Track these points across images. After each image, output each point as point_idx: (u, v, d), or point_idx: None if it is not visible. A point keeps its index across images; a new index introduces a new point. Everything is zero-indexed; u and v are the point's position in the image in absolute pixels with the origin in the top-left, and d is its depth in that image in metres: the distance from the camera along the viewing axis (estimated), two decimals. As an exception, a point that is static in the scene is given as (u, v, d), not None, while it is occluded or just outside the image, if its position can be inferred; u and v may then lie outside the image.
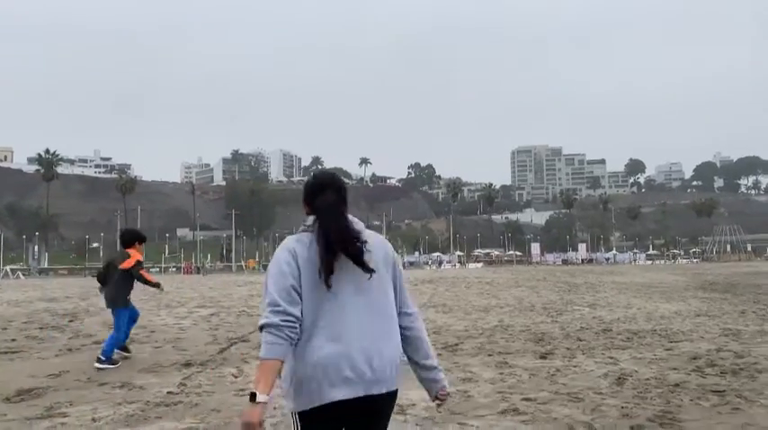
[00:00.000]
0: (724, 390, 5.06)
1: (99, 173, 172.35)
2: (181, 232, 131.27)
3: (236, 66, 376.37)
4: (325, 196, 2.21)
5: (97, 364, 6.74)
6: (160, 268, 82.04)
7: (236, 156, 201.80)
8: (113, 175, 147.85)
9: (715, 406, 4.61)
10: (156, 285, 7.49)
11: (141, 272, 7.30)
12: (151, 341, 8.39)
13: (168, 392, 5.32)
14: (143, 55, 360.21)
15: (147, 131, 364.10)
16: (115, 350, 6.98)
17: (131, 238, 7.51)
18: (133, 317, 7.48)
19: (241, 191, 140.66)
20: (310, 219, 2.19)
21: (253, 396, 1.87)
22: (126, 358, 7.15)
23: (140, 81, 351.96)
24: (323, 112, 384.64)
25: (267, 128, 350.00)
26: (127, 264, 7.18)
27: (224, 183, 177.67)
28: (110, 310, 7.24)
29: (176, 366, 6.56)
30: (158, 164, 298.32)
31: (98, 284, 7.52)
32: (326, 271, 2.01)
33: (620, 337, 8.15)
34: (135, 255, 7.33)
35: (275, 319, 1.94)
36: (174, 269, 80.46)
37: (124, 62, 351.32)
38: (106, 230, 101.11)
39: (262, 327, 1.96)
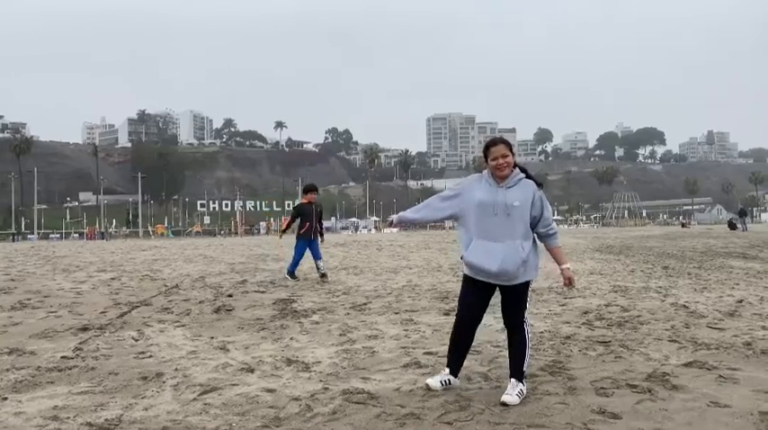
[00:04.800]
0: (609, 341, 5.44)
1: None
2: (83, 196, 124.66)
3: (140, 14, 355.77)
4: None
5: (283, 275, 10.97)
6: (61, 234, 77.70)
7: (143, 117, 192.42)
8: (6, 135, 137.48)
9: (600, 355, 4.95)
10: (281, 230, 11.61)
11: (285, 217, 12.23)
12: (45, 306, 7.96)
13: (62, 357, 5.08)
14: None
15: (44, 89, 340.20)
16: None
17: (304, 189, 11.12)
18: (314, 254, 10.68)
19: (148, 153, 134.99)
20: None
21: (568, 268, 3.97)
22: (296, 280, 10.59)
23: (33, 28, 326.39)
24: (236, 73, 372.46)
25: (176, 88, 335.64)
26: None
27: (129, 144, 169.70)
28: None
29: (72, 331, 6.27)
30: (57, 124, 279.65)
31: None
32: None
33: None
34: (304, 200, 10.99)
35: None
36: (76, 235, 76.32)
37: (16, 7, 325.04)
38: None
39: (556, 233, 3.96)
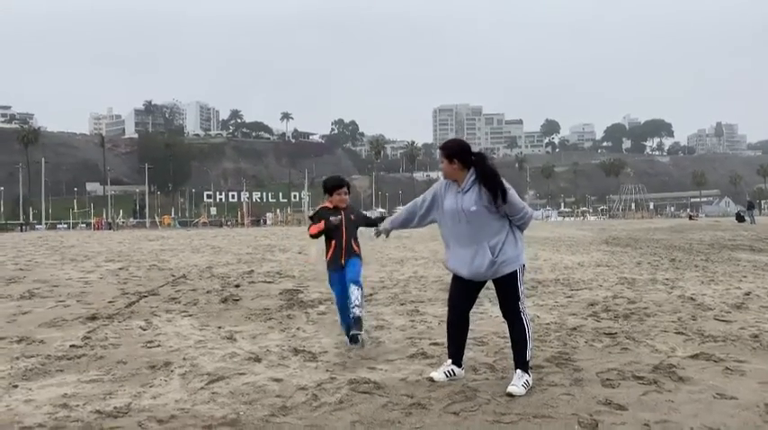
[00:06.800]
0: (616, 333, 5.43)
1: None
2: (90, 186, 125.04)
3: (147, 6, 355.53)
4: None
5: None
6: (69, 224, 78.11)
7: (150, 108, 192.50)
8: (14, 125, 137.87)
9: (607, 346, 4.95)
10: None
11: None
12: (54, 295, 8.02)
13: (71, 346, 5.12)
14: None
15: (52, 79, 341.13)
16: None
17: (325, 186, 5.42)
18: (347, 278, 5.10)
19: (155, 144, 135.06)
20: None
21: None
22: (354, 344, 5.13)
23: (41, 19, 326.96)
24: (243, 65, 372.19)
25: (182, 79, 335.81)
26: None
27: (136, 135, 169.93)
28: None
29: (81, 320, 6.32)
30: (64, 114, 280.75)
31: None
32: None
33: (525, 286, 8.54)
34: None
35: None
36: (83, 225, 76.66)
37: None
38: (7, 184, 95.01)
39: (530, 217, 3.93)
